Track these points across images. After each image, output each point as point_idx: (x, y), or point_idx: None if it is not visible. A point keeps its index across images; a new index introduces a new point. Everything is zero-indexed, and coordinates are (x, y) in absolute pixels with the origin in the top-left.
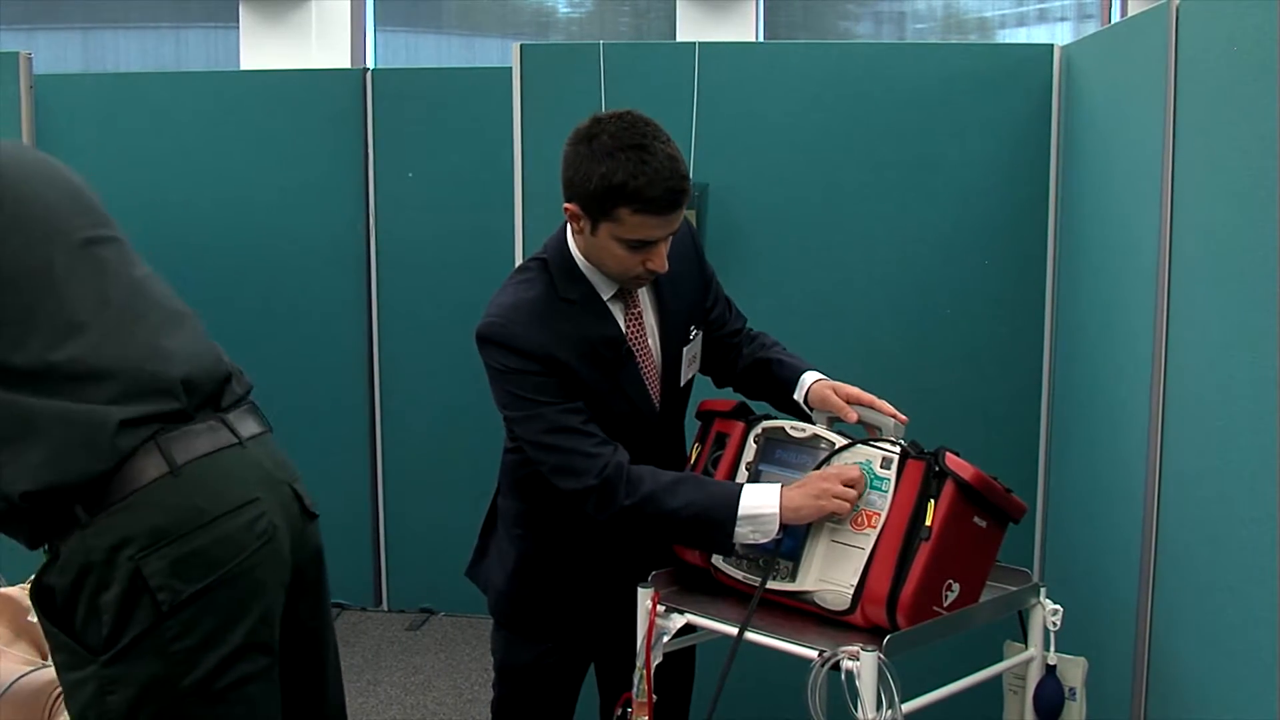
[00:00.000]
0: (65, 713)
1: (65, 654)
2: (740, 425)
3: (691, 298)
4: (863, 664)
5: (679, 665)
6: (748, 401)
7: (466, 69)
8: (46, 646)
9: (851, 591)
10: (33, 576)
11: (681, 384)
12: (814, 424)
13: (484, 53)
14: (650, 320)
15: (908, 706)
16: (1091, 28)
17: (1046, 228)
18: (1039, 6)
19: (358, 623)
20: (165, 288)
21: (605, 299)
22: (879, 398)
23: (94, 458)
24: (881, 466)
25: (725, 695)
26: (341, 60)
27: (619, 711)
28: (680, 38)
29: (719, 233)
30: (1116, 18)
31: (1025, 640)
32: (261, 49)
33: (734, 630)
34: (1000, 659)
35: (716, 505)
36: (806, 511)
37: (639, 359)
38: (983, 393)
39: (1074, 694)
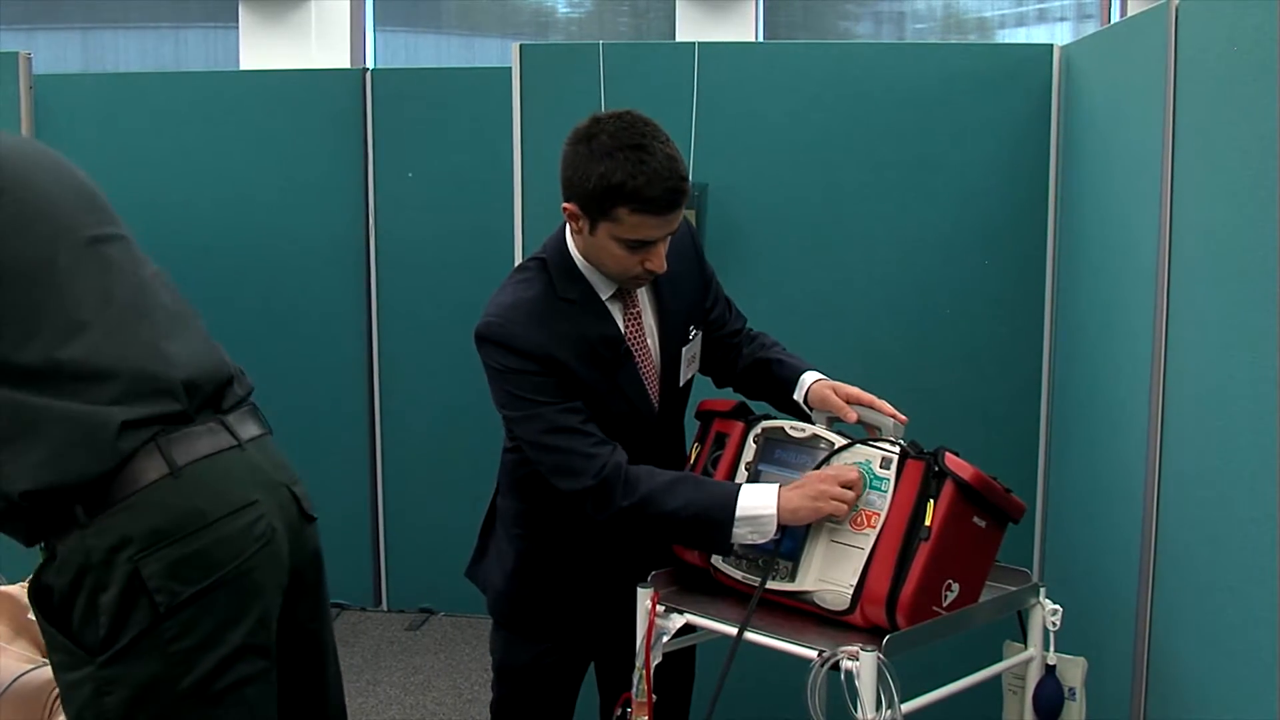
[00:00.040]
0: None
1: (62, 654)
2: (740, 425)
3: (691, 298)
4: (862, 664)
5: (679, 665)
6: (747, 401)
7: (466, 69)
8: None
9: (851, 591)
10: (32, 575)
11: (680, 384)
12: (813, 424)
13: (483, 53)
14: (649, 320)
15: (907, 706)
16: (1091, 28)
17: (1046, 228)
18: (1038, 6)
19: (357, 623)
20: (170, 287)
21: (604, 299)
22: (879, 398)
23: (95, 458)
24: (881, 466)
25: (725, 695)
26: (341, 60)
27: (618, 711)
28: (680, 38)
29: (718, 233)
30: (1116, 18)
31: (1025, 640)
32: (261, 49)
33: (733, 630)
34: (1000, 659)
35: (714, 506)
36: (804, 513)
37: (638, 359)
38: (982, 393)
39: (1074, 694)
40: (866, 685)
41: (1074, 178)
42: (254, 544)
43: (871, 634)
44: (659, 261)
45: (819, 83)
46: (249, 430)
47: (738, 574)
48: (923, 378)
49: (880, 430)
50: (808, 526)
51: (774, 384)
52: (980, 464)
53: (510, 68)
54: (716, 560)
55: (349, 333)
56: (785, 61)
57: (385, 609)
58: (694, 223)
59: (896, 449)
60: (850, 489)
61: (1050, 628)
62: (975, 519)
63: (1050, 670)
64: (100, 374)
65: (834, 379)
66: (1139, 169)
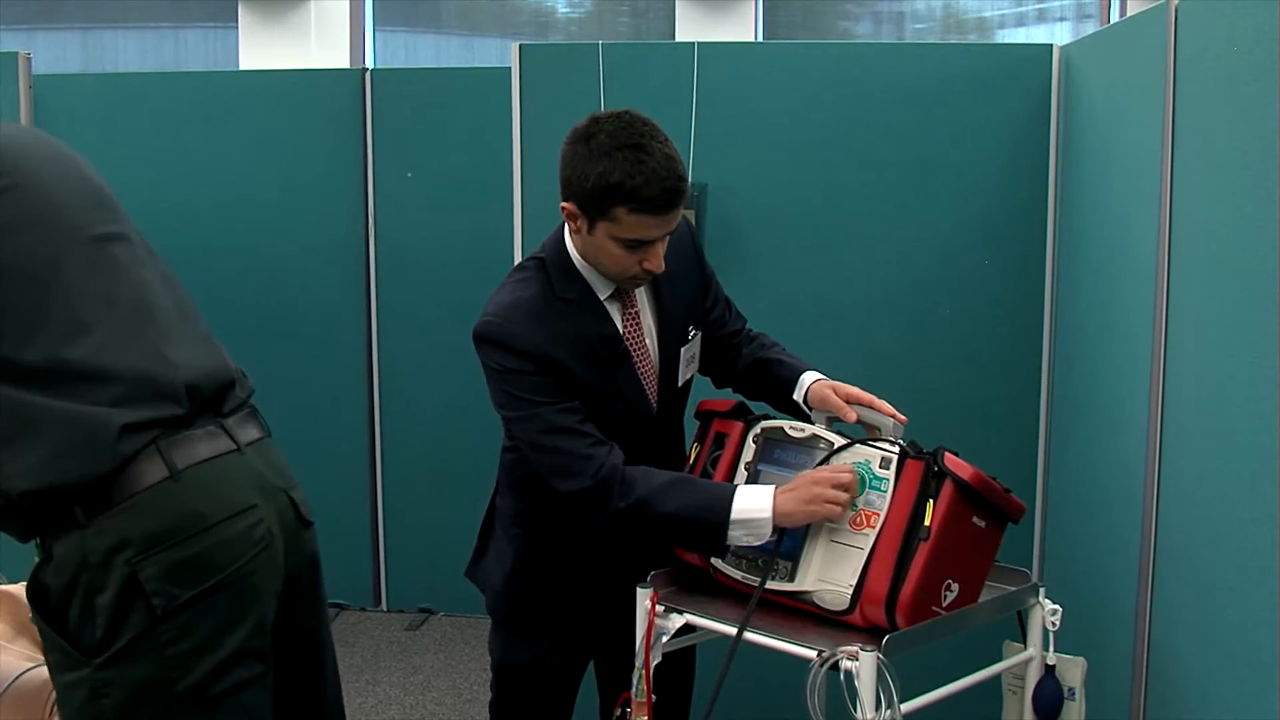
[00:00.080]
0: None
1: (59, 655)
2: (739, 425)
3: (690, 298)
4: (862, 664)
5: (679, 665)
6: (747, 402)
7: (466, 69)
8: None
9: (850, 591)
10: (30, 575)
11: (679, 384)
12: (813, 424)
13: (483, 53)
14: (648, 320)
15: (907, 706)
16: (1090, 28)
17: (1046, 228)
18: (1038, 6)
19: (357, 623)
20: (175, 288)
21: (602, 298)
22: (878, 398)
23: (95, 460)
24: (880, 466)
25: (724, 695)
26: (340, 60)
27: (618, 712)
28: (679, 38)
29: (718, 233)
30: (1115, 18)
31: (1024, 640)
32: (260, 49)
33: (733, 630)
34: (999, 659)
35: (709, 509)
36: (799, 517)
37: (636, 359)
38: (982, 393)
39: (1073, 694)
40: (866, 685)
41: (1073, 178)
42: (252, 548)
43: (871, 634)
44: (657, 261)
45: (819, 83)
46: (249, 434)
47: (737, 574)
48: (922, 378)
49: (880, 430)
50: (807, 526)
51: (773, 384)
52: (980, 464)
53: (510, 68)
54: (716, 560)
55: (348, 333)
56: (785, 61)
57: (385, 609)
58: (693, 223)
59: (896, 449)
60: (845, 490)
61: (1050, 628)
62: (975, 519)
63: (1050, 670)
64: (102, 375)
65: (834, 379)
66: (1138, 169)
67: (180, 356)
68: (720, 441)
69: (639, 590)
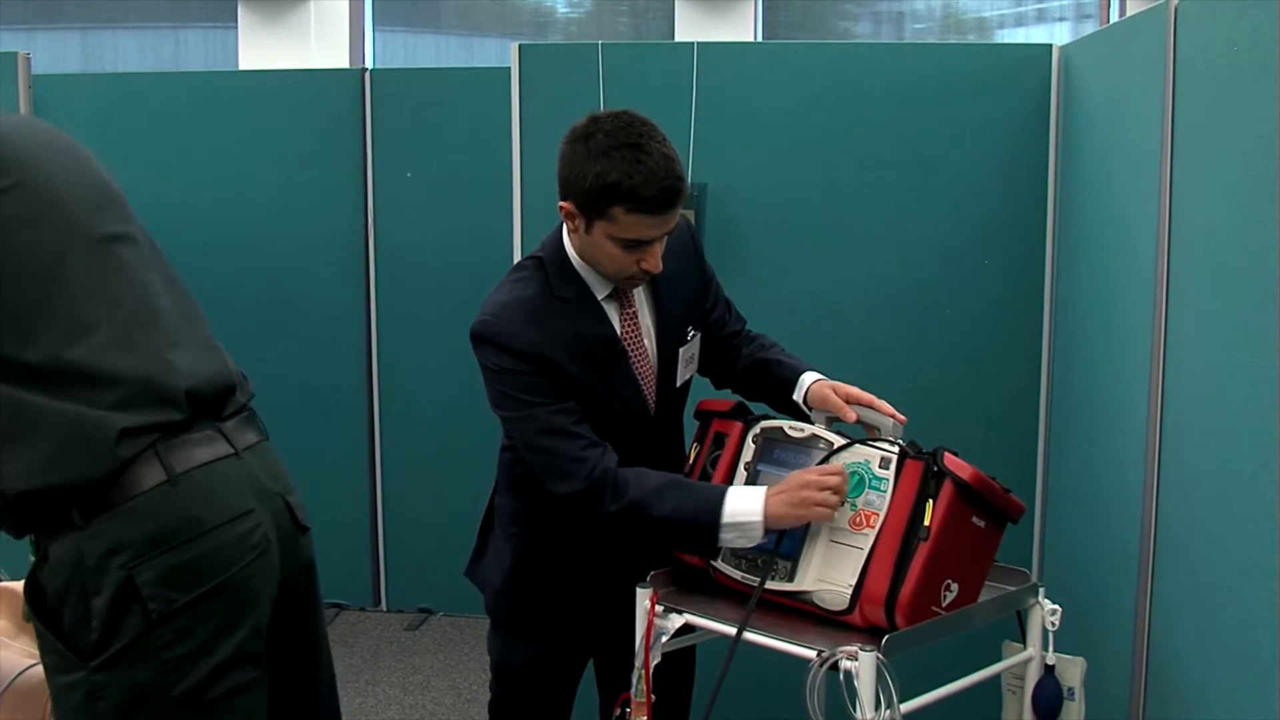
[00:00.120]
0: None
1: (54, 656)
2: (739, 425)
3: (690, 298)
4: (861, 664)
5: (679, 665)
6: (746, 402)
7: (465, 69)
8: None
9: (850, 591)
10: (27, 575)
11: (678, 384)
12: (812, 424)
13: (482, 53)
14: (646, 320)
15: (906, 706)
16: (1090, 28)
17: (1045, 228)
18: (1037, 6)
19: (356, 623)
20: (180, 291)
21: (600, 298)
22: (878, 397)
23: (93, 463)
24: (880, 466)
25: (724, 695)
26: (340, 60)
27: (617, 712)
28: (679, 38)
29: (718, 233)
30: (1115, 18)
31: (1024, 640)
32: (260, 49)
33: (732, 630)
34: (999, 659)
35: (701, 513)
36: (789, 520)
37: (634, 359)
38: (982, 393)
39: (1072, 694)
40: (865, 685)
41: (1073, 178)
42: (249, 553)
43: (870, 634)
44: (655, 261)
45: (818, 83)
46: (246, 438)
47: (737, 574)
48: (922, 378)
49: (879, 430)
50: (807, 526)
51: (773, 384)
52: (979, 464)
53: (509, 68)
54: (716, 560)
55: (348, 333)
56: (784, 61)
57: (384, 609)
58: (693, 223)
59: (895, 449)
60: (835, 492)
61: (1049, 628)
62: (974, 519)
63: (1049, 670)
64: (103, 378)
65: (834, 379)
66: (1138, 169)
67: (182, 361)
68: (720, 441)
69: (638, 590)
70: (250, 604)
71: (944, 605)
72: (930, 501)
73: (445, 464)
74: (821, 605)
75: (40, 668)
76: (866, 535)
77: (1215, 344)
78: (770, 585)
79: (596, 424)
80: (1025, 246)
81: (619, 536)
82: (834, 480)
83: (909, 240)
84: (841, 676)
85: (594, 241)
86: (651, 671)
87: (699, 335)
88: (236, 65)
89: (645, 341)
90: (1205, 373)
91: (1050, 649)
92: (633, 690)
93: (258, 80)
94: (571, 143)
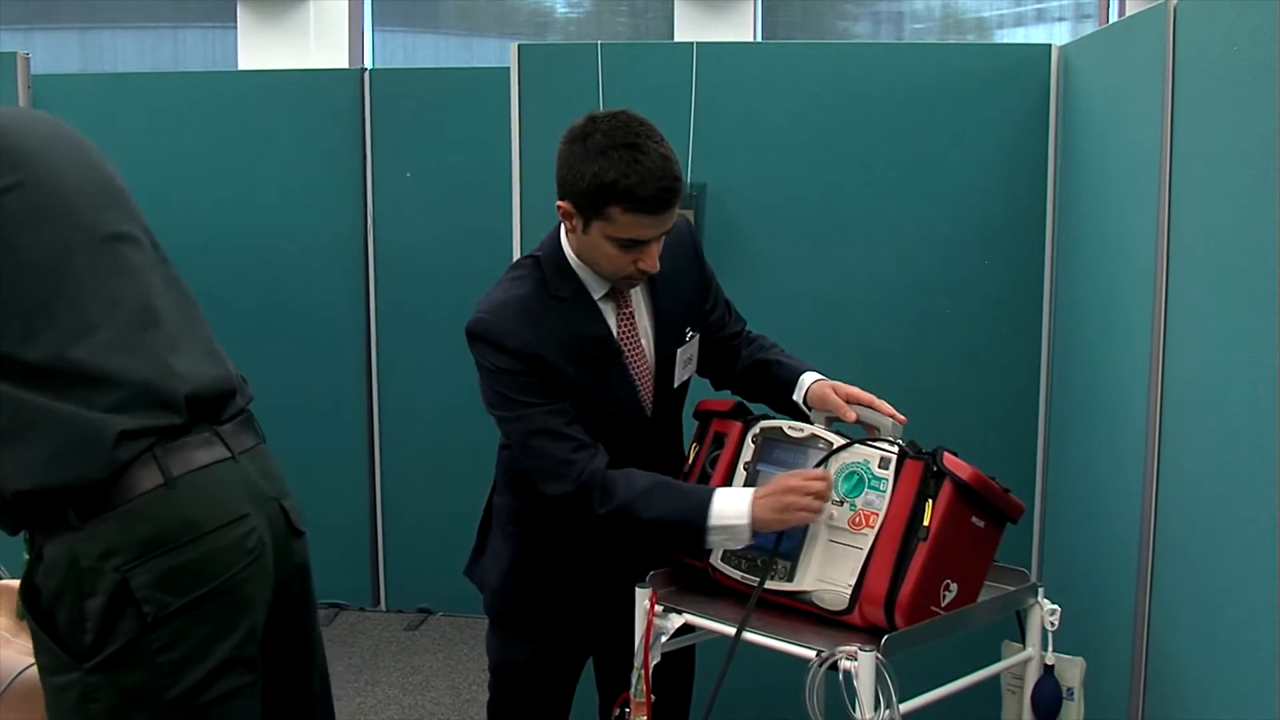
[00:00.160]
0: None
1: (48, 657)
2: (738, 425)
3: (689, 299)
4: (860, 664)
5: (679, 665)
6: (745, 403)
7: (464, 69)
8: None
9: (849, 591)
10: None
11: (675, 385)
12: (812, 424)
13: (482, 53)
14: (644, 321)
15: (905, 707)
16: (1089, 28)
17: (1045, 228)
18: (1037, 6)
19: (356, 623)
20: (182, 293)
21: (596, 298)
22: (878, 397)
23: (90, 465)
24: (879, 466)
25: (723, 695)
26: (339, 60)
27: (617, 712)
28: (678, 38)
29: (717, 233)
30: (1114, 17)
31: (1023, 640)
32: (259, 49)
33: (732, 630)
34: (998, 659)
35: (688, 516)
36: (773, 526)
37: (630, 359)
38: (981, 393)
39: (1072, 694)
40: (865, 685)
41: (1072, 178)
42: (245, 557)
43: (870, 634)
44: (651, 261)
45: (817, 83)
46: (243, 442)
47: (736, 574)
48: (922, 378)
49: (879, 430)
50: (806, 525)
51: (773, 385)
52: (979, 464)
53: (508, 68)
54: (715, 560)
55: (347, 333)
56: (784, 61)
57: (384, 609)
58: (692, 223)
59: (895, 449)
60: (819, 497)
61: (1048, 628)
62: (974, 519)
63: (1048, 670)
64: (104, 379)
65: (833, 379)
66: (1137, 169)
67: (183, 365)
68: (719, 441)
69: (638, 590)
70: (245, 608)
71: (943, 605)
72: (930, 501)
73: (445, 464)
74: (821, 605)
75: None
76: (866, 535)
77: (1214, 344)
78: (770, 585)
79: (593, 425)
80: (1025, 246)
81: (610, 538)
82: (817, 485)
83: (908, 240)
84: (841, 676)
85: (591, 241)
86: (651, 671)
87: (697, 336)
88: (236, 65)
89: (643, 342)
90: (1204, 373)
91: (1050, 649)
92: (632, 690)
93: (257, 80)
94: (569, 142)
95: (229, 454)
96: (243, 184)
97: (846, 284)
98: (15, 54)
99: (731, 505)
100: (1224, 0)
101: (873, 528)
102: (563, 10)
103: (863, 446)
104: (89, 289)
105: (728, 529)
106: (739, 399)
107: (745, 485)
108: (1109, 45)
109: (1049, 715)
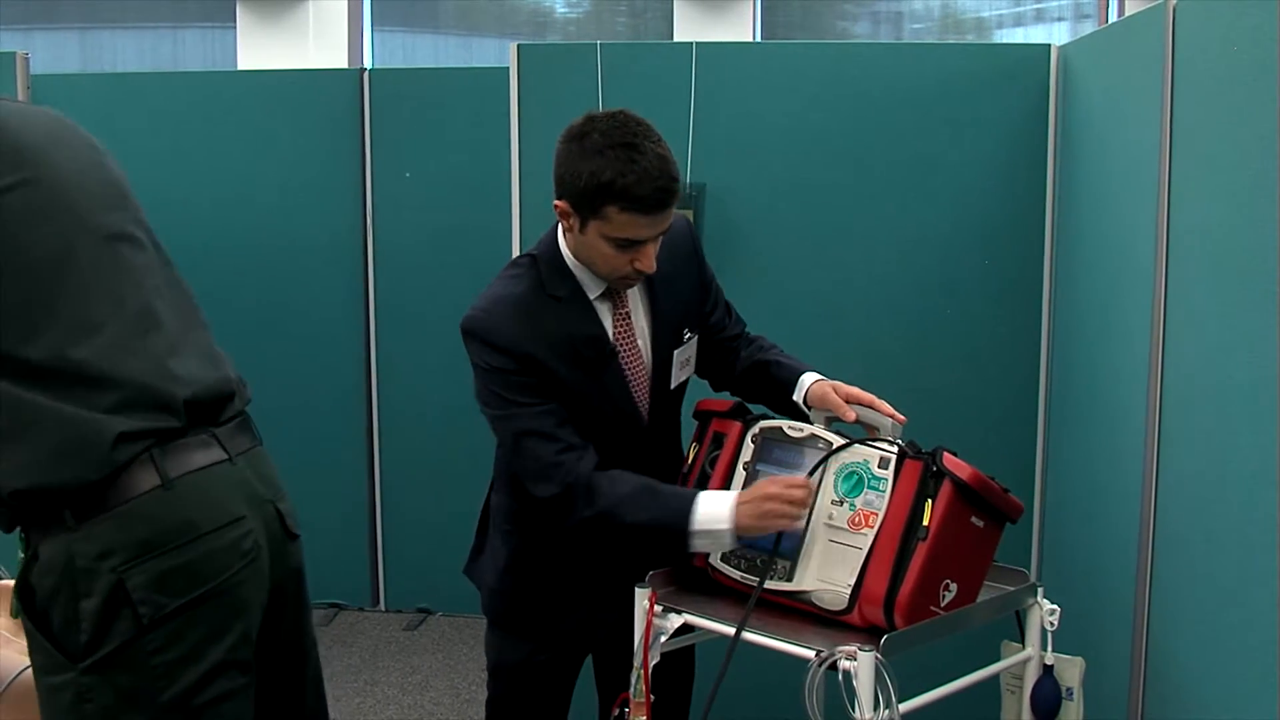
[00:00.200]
0: None
1: (43, 657)
2: (738, 425)
3: (687, 299)
4: (860, 664)
5: (678, 665)
6: (745, 403)
7: (464, 69)
8: None
9: (849, 591)
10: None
11: (672, 386)
12: (812, 424)
13: (481, 53)
14: (641, 321)
15: (905, 706)
16: (1088, 28)
17: (1044, 228)
18: (1036, 6)
19: (355, 623)
20: (183, 295)
21: (592, 298)
22: (878, 397)
23: (88, 466)
24: (879, 466)
25: (723, 695)
26: (339, 60)
27: (616, 711)
28: (677, 38)
29: (716, 233)
30: (1114, 17)
31: (1023, 640)
32: (259, 49)
33: (731, 630)
34: (998, 659)
35: (671, 520)
36: (754, 531)
37: (626, 359)
38: (981, 393)
39: (1071, 694)
40: (864, 685)
41: (1072, 178)
42: (240, 559)
43: (869, 634)
44: (648, 262)
45: (817, 83)
46: (240, 444)
47: (736, 574)
48: (921, 378)
49: (879, 430)
50: (807, 525)
51: (772, 385)
52: (978, 464)
53: (508, 68)
54: (714, 560)
55: (346, 332)
56: (783, 62)
57: (383, 609)
58: (692, 223)
59: (895, 449)
60: (798, 504)
61: (1048, 628)
62: (973, 519)
63: (1048, 670)
64: (103, 380)
65: (833, 379)
66: (1137, 169)
67: (182, 369)
68: (718, 441)
69: (637, 590)
70: (240, 611)
71: (943, 605)
72: (929, 501)
73: (444, 464)
74: (820, 605)
75: None
76: (865, 535)
77: (1214, 344)
78: (769, 585)
79: (587, 426)
80: (1024, 246)
81: (597, 541)
82: (798, 493)
83: (908, 240)
84: (840, 676)
85: (588, 241)
86: (650, 671)
87: (695, 338)
88: (235, 65)
89: (639, 342)
90: (1204, 373)
91: (1049, 649)
92: (631, 690)
93: (256, 80)
94: (567, 142)
95: (226, 456)
96: (242, 184)
97: (846, 284)
98: (15, 54)
99: (714, 510)
100: (1223, 0)
101: (872, 528)
102: (562, 10)
103: (862, 446)
104: (91, 289)
105: (710, 534)
106: (739, 400)
107: (745, 485)
108: (1108, 45)
109: (1048, 715)
